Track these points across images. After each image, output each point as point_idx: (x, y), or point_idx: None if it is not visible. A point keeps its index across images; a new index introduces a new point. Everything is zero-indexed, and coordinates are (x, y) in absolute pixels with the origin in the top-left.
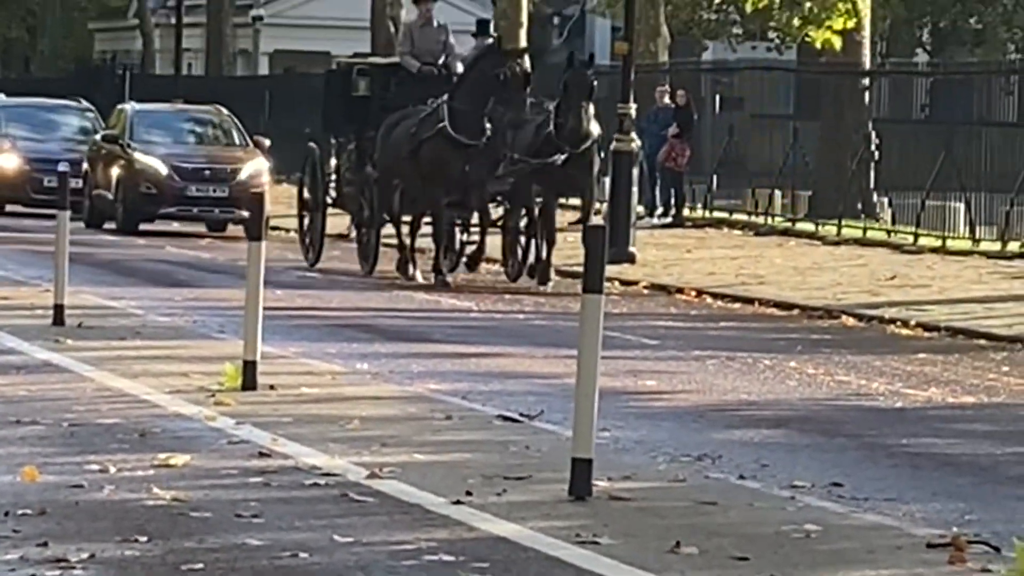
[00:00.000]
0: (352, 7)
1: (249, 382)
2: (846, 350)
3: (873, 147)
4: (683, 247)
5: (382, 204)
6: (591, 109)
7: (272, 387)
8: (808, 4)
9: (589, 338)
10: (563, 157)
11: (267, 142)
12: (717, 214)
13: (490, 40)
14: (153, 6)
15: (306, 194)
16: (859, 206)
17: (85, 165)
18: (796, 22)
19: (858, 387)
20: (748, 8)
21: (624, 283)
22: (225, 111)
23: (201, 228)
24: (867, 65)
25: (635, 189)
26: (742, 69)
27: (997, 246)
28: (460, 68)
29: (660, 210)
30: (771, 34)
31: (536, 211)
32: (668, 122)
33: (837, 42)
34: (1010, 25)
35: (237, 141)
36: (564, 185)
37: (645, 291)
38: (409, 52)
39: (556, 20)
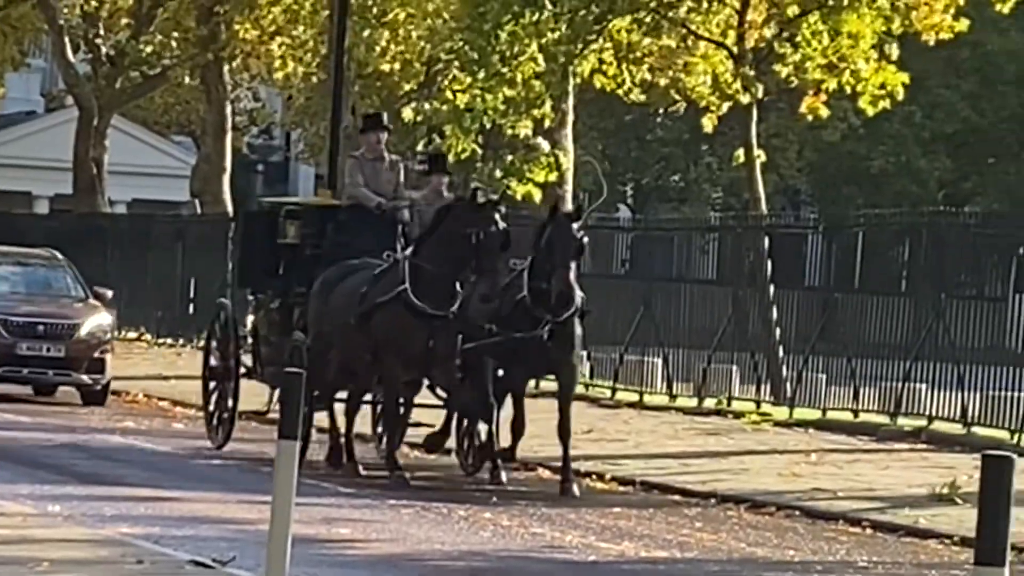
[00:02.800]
0: (54, 148)
1: None
2: (541, 502)
3: None
4: None
5: (313, 378)
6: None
7: None
8: (510, 157)
9: (283, 484)
10: (547, 330)
11: (109, 293)
12: None
13: (457, 193)
14: None
15: (213, 361)
16: None
17: None
18: (498, 173)
19: (552, 539)
20: (451, 158)
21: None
22: (61, 256)
23: (28, 390)
24: None
25: None
26: None
27: (694, 402)
28: (407, 215)
29: None
30: (473, 184)
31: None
32: None
33: (537, 195)
34: (714, 183)
35: (75, 292)
36: (539, 362)
37: None
38: (364, 185)
39: (260, 167)
